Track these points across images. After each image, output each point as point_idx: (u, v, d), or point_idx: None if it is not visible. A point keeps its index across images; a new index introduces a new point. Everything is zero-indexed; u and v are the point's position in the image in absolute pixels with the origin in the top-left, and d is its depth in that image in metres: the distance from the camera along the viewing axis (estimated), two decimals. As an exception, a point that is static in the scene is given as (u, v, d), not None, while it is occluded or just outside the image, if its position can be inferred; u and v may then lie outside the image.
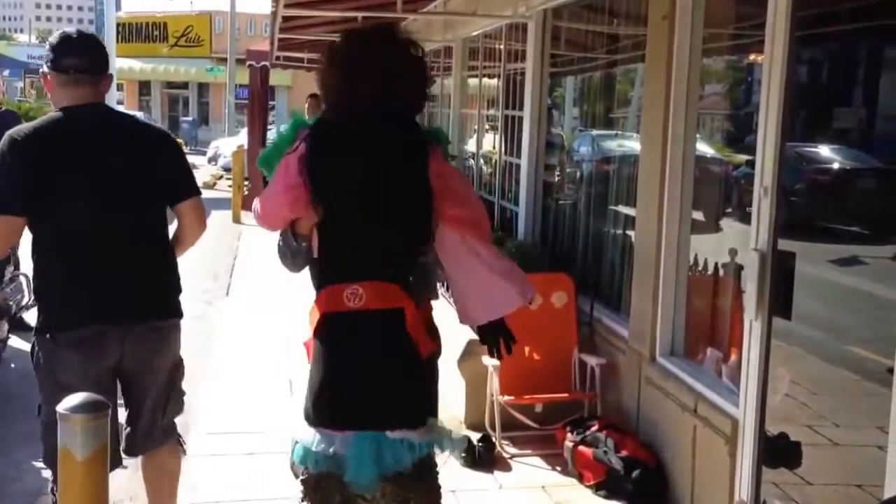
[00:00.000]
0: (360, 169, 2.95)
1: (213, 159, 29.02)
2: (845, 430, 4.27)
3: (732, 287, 4.78)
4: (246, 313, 9.23)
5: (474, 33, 10.09)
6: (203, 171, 28.05)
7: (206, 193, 16.54)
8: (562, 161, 8.07)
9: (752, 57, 4.94)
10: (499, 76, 9.21)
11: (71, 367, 3.52)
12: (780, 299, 3.98)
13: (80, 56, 3.61)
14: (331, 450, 3.02)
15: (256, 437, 5.80)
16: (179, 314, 3.86)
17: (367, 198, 2.97)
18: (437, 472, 3.21)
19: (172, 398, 3.92)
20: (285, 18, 9.54)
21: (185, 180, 3.78)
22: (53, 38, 3.67)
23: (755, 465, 4.11)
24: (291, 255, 3.12)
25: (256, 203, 3.16)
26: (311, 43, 13.88)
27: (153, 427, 3.86)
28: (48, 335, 3.52)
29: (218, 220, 16.96)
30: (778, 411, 4.27)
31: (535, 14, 7.57)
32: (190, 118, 42.57)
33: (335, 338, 3.09)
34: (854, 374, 4.21)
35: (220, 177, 25.41)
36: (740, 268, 4.52)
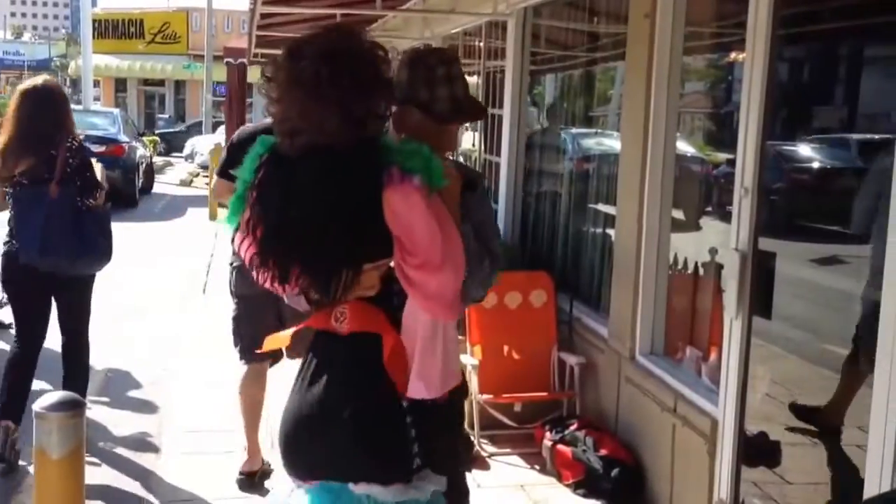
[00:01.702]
0: (294, 219, 2.52)
1: (190, 157, 28.90)
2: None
3: (712, 286, 4.78)
4: (223, 311, 9.15)
5: (454, 31, 10.06)
6: (179, 168, 27.95)
7: (182, 191, 16.64)
8: (542, 159, 8.05)
9: (733, 56, 4.95)
10: (478, 74, 9.19)
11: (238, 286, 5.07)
12: (760, 299, 3.98)
13: None
14: (288, 501, 2.72)
15: (234, 436, 5.76)
16: None
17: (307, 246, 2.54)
18: None
19: None
20: (263, 15, 9.49)
21: None
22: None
23: (734, 464, 4.11)
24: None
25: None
26: (291, 40, 13.85)
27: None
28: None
29: (194, 217, 16.89)
30: (758, 410, 4.28)
31: (515, 12, 7.55)
32: (166, 115, 42.37)
33: (313, 363, 2.76)
34: (835, 373, 4.22)
35: (197, 174, 25.29)
36: (720, 267, 4.52)
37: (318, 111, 2.48)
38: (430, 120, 2.83)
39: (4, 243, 5.32)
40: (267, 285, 2.63)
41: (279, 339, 2.93)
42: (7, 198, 5.31)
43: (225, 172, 4.81)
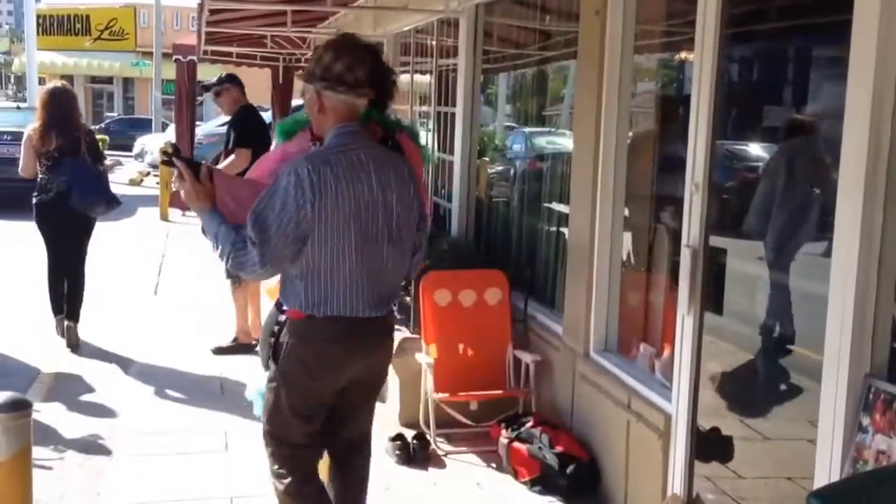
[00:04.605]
0: None
1: (140, 156, 28.50)
2: (776, 424, 4.32)
3: (665, 283, 4.82)
4: (174, 313, 9.08)
5: (405, 28, 10.04)
6: (129, 167, 27.59)
7: (132, 191, 16.52)
8: (495, 158, 8.07)
9: (683, 54, 4.99)
10: (431, 72, 9.18)
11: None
12: (711, 295, 4.02)
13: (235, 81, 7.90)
14: None
15: (186, 437, 5.71)
16: None
17: None
18: None
19: None
20: (212, 11, 9.39)
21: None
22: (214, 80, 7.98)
23: (688, 459, 4.15)
24: None
25: None
26: (241, 37, 13.69)
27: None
28: None
29: (145, 217, 16.69)
30: (710, 406, 4.32)
31: (467, 9, 7.55)
32: (115, 114, 41.83)
33: None
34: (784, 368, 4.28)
35: (147, 174, 24.97)
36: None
37: None
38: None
39: (36, 197, 7.41)
40: None
41: None
42: (40, 166, 7.37)
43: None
